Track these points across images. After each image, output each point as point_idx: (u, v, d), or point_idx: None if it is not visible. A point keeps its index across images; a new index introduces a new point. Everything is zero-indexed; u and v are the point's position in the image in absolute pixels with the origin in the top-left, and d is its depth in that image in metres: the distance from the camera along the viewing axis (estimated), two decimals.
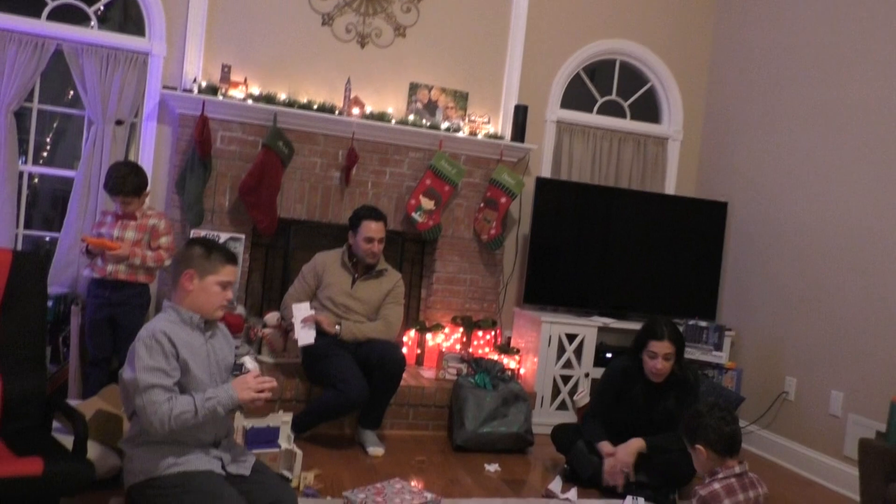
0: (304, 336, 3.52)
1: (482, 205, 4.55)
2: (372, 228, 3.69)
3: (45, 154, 5.90)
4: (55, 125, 6.16)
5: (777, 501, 3.47)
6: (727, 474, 2.37)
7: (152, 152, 4.15)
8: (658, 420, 3.32)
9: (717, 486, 2.34)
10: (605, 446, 3.30)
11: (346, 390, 3.42)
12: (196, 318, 2.48)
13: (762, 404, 4.38)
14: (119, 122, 4.03)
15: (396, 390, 3.70)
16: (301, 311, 3.56)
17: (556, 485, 3.27)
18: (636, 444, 3.25)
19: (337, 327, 3.62)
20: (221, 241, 4.03)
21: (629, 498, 3.04)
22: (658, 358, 3.24)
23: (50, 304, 3.61)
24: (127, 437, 2.47)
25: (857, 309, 3.89)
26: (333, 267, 3.79)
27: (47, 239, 4.29)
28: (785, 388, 4.29)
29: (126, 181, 3.43)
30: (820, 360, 4.08)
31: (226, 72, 4.07)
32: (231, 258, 2.54)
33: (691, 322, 4.51)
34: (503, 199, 4.53)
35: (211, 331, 2.56)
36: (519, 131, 4.60)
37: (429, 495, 2.80)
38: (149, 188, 3.60)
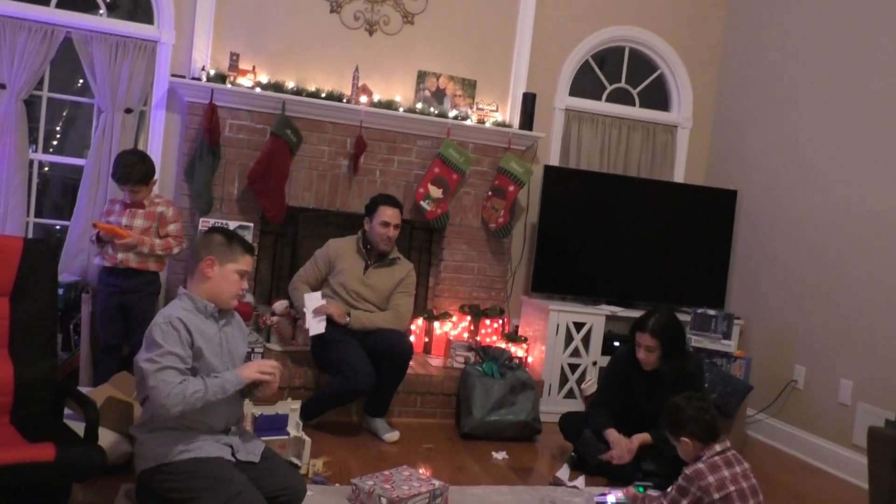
0: (315, 326, 3.54)
1: (490, 193, 4.55)
2: (388, 214, 3.73)
3: (55, 142, 5.92)
4: (65, 113, 6.17)
5: (785, 489, 3.47)
6: (710, 454, 2.49)
7: (161, 141, 4.16)
8: (659, 407, 3.32)
9: (700, 465, 2.48)
10: (611, 433, 3.31)
11: (353, 378, 3.44)
12: (210, 307, 2.50)
13: (771, 393, 4.37)
14: (128, 111, 4.04)
15: (403, 379, 3.71)
16: (312, 300, 3.58)
17: (563, 472, 3.28)
18: (641, 437, 3.26)
19: (347, 318, 3.63)
20: (231, 228, 4.04)
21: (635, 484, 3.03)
22: (640, 348, 3.29)
23: (61, 291, 3.63)
24: (138, 422, 2.50)
25: (868, 298, 3.87)
26: (347, 253, 3.80)
27: (58, 227, 4.32)
28: (794, 377, 4.28)
29: (134, 170, 3.44)
30: (829, 349, 4.07)
31: (234, 60, 4.07)
32: (249, 248, 2.59)
33: (700, 311, 4.49)
34: (511, 188, 4.52)
35: (225, 319, 2.57)
36: (527, 119, 4.58)
37: (437, 483, 2.81)
38: (156, 176, 3.61)
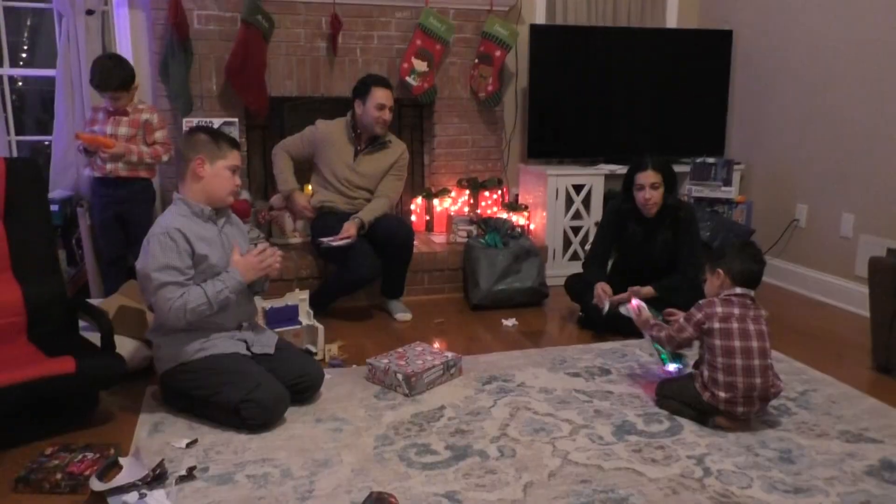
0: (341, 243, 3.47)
1: (476, 61, 4.39)
2: (383, 95, 3.61)
3: (23, 55, 5.68)
4: (28, 23, 5.88)
5: (791, 324, 3.56)
6: (727, 293, 2.48)
7: (129, 41, 3.98)
8: (659, 256, 3.36)
9: (714, 299, 2.49)
10: (598, 286, 3.35)
11: (356, 268, 3.47)
12: (207, 210, 2.49)
13: (774, 234, 4.40)
14: (90, 12, 3.83)
15: (411, 259, 3.74)
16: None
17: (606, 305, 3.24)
18: (644, 289, 3.30)
19: (363, 229, 3.56)
20: (215, 126, 3.95)
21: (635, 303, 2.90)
22: (646, 188, 3.26)
23: (56, 208, 3.61)
24: (152, 328, 2.56)
25: (867, 129, 3.80)
26: (337, 138, 3.71)
27: (46, 143, 4.22)
28: (796, 216, 4.29)
29: (112, 75, 3.33)
30: (830, 185, 4.05)
31: None
32: (235, 143, 2.58)
33: (699, 160, 4.45)
34: (498, 53, 4.35)
35: (223, 220, 2.57)
36: None
37: (450, 354, 2.89)
38: (137, 81, 3.49)
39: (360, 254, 3.48)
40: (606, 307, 3.25)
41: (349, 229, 3.50)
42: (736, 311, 2.43)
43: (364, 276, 3.52)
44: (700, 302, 2.50)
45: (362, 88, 3.65)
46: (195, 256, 2.41)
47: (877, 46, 3.72)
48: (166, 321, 2.40)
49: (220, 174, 2.49)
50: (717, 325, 2.41)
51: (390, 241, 3.61)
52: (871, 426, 2.50)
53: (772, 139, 4.46)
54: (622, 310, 2.95)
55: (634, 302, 2.82)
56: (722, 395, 2.40)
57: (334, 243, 3.45)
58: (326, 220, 3.63)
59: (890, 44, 3.65)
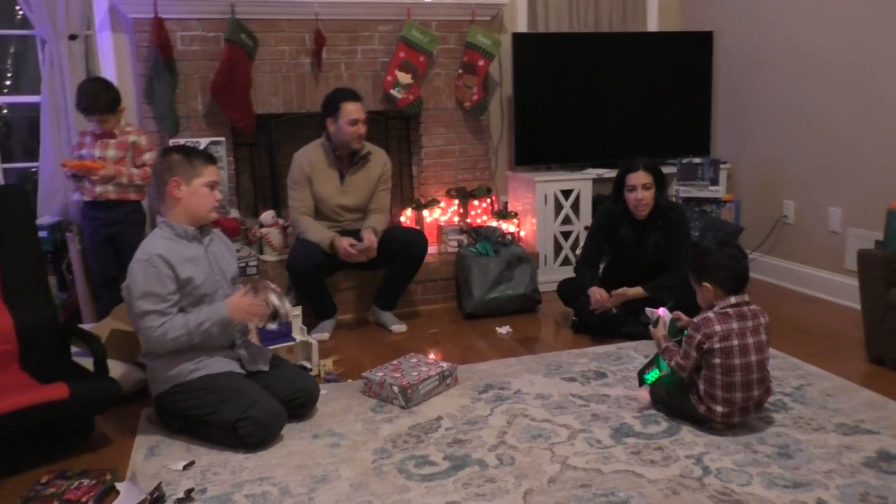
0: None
1: (461, 71, 4.41)
2: (354, 109, 3.52)
3: (7, 82, 5.67)
4: (12, 50, 5.88)
5: (784, 321, 3.58)
6: (723, 305, 2.41)
7: (113, 64, 3.98)
8: (650, 257, 3.38)
9: (710, 314, 2.40)
10: (594, 291, 3.37)
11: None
12: (191, 231, 2.49)
13: (762, 231, 4.42)
14: (73, 37, 3.84)
15: (416, 274, 3.74)
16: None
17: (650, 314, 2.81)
18: (635, 290, 3.32)
19: (374, 244, 3.50)
20: (202, 146, 3.95)
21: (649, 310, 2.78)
22: (637, 189, 3.28)
23: (45, 234, 3.60)
24: (144, 351, 2.55)
25: (851, 123, 3.83)
26: (320, 165, 3.62)
27: (33, 170, 4.21)
28: (784, 213, 4.32)
29: (98, 98, 3.34)
30: (817, 180, 4.08)
31: None
32: (210, 159, 2.55)
33: (685, 161, 4.48)
34: (481, 62, 4.38)
35: (208, 238, 2.56)
36: None
37: (445, 365, 2.89)
38: (123, 104, 3.50)
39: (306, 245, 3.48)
40: (613, 311, 3.28)
41: (370, 236, 3.47)
42: (735, 326, 2.36)
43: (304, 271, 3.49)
44: (696, 321, 2.41)
45: (331, 105, 3.55)
46: (179, 280, 2.40)
47: (856, 43, 3.76)
48: (148, 348, 2.40)
49: (197, 192, 2.47)
50: (717, 345, 2.34)
51: (403, 250, 3.60)
52: (867, 418, 2.51)
53: (757, 137, 4.50)
54: (647, 312, 2.75)
55: (661, 311, 2.67)
56: (719, 409, 2.39)
57: (358, 260, 3.46)
58: (307, 246, 3.52)
59: (869, 40, 3.69)
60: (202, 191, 2.48)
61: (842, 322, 3.60)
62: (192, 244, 2.50)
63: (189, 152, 2.52)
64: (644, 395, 2.71)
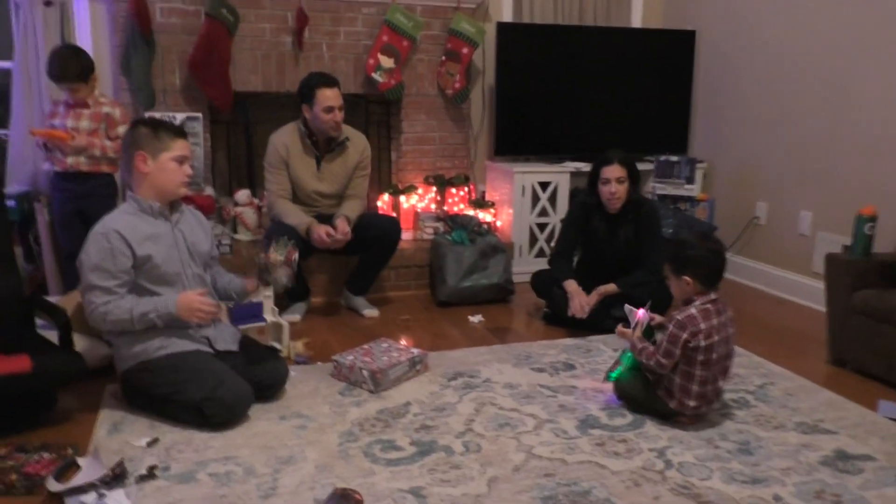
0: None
1: (444, 58, 4.39)
2: (330, 96, 3.43)
3: None
4: None
5: (752, 321, 3.63)
6: (703, 301, 2.42)
7: (89, 34, 3.89)
8: (622, 251, 3.42)
9: (693, 310, 2.40)
10: (569, 284, 3.39)
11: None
12: (157, 207, 2.44)
13: (735, 231, 4.48)
14: (48, 3, 3.75)
15: (390, 261, 3.74)
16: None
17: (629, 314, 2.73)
18: (606, 288, 3.35)
19: (349, 233, 3.43)
20: (178, 121, 3.89)
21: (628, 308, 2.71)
22: (611, 182, 3.31)
23: (13, 203, 3.52)
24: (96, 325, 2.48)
25: (825, 128, 3.89)
26: (295, 151, 3.54)
27: (3, 137, 4.11)
28: (756, 214, 4.38)
29: (69, 65, 3.26)
30: (790, 183, 4.14)
31: None
32: (179, 132, 2.48)
33: (662, 158, 4.51)
34: (465, 50, 4.36)
35: (177, 215, 2.52)
36: None
37: (415, 351, 2.90)
38: (96, 72, 3.43)
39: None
40: (586, 312, 3.30)
41: (343, 227, 3.41)
42: (714, 322, 2.39)
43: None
44: (679, 318, 2.39)
45: (307, 92, 3.45)
46: (136, 258, 2.35)
47: (835, 49, 3.81)
48: (91, 324, 2.36)
49: (165, 167, 2.41)
50: (702, 342, 2.36)
51: (380, 238, 3.59)
52: (826, 418, 2.56)
53: (734, 138, 4.55)
54: (627, 310, 2.68)
55: (641, 313, 2.61)
56: (692, 403, 2.42)
57: (333, 248, 3.42)
58: (284, 229, 3.37)
59: (848, 46, 3.73)
60: (170, 165, 2.42)
61: (807, 324, 3.66)
62: (158, 221, 2.45)
63: (157, 125, 2.46)
64: (610, 386, 2.73)
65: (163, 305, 2.36)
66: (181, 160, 2.44)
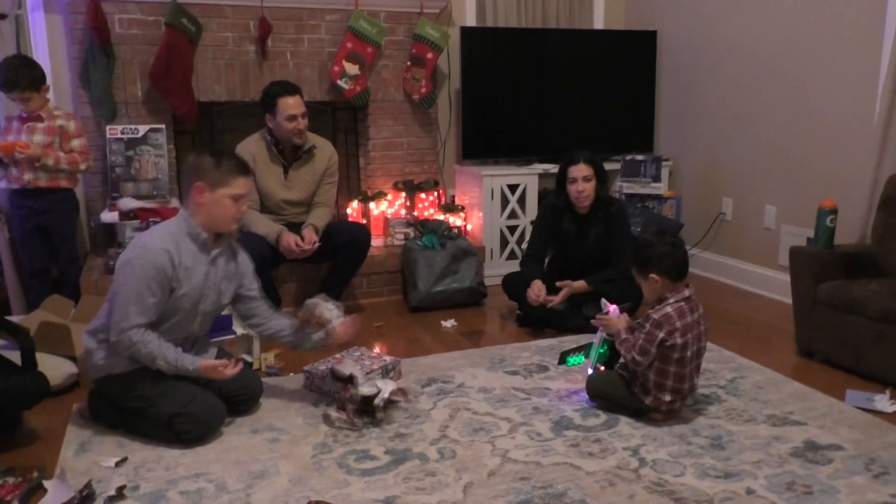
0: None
1: (409, 63, 4.38)
2: (291, 104, 3.41)
3: None
4: None
5: (720, 314, 3.67)
6: (678, 298, 2.43)
7: (46, 46, 3.82)
8: (592, 250, 3.44)
9: (669, 309, 2.41)
10: (535, 284, 3.39)
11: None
12: (203, 236, 2.38)
13: (701, 227, 4.53)
14: (2, 16, 3.68)
15: (360, 267, 3.73)
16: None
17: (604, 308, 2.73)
18: (577, 284, 3.37)
19: (316, 240, 3.43)
20: (140, 133, 3.85)
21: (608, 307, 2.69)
22: (578, 181, 3.34)
23: None
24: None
25: (786, 124, 3.95)
26: (262, 160, 3.51)
27: None
28: (722, 209, 4.44)
29: (19, 74, 3.21)
30: (754, 178, 4.20)
31: None
32: (244, 169, 2.40)
33: (628, 157, 4.56)
34: (430, 55, 4.36)
35: (219, 249, 2.45)
36: None
37: (388, 358, 2.88)
38: (48, 83, 3.37)
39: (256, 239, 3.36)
40: (553, 302, 3.30)
41: (311, 236, 3.40)
42: (689, 319, 2.41)
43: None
44: (654, 317, 2.39)
45: (268, 102, 3.44)
46: (172, 284, 2.31)
47: (794, 46, 3.88)
48: (117, 345, 2.30)
49: (220, 202, 2.35)
50: (679, 340, 2.37)
51: (349, 244, 3.58)
52: (796, 409, 2.60)
53: (698, 136, 4.60)
54: (602, 304, 2.67)
55: (613, 308, 2.63)
56: (667, 398, 2.44)
57: (301, 257, 3.40)
58: (253, 239, 3.34)
59: (806, 43, 3.80)
60: (225, 202, 2.35)
61: (775, 316, 3.72)
62: (200, 252, 2.39)
63: (222, 159, 2.37)
64: (582, 384, 2.73)
65: (193, 365, 2.34)
66: (237, 198, 2.38)
